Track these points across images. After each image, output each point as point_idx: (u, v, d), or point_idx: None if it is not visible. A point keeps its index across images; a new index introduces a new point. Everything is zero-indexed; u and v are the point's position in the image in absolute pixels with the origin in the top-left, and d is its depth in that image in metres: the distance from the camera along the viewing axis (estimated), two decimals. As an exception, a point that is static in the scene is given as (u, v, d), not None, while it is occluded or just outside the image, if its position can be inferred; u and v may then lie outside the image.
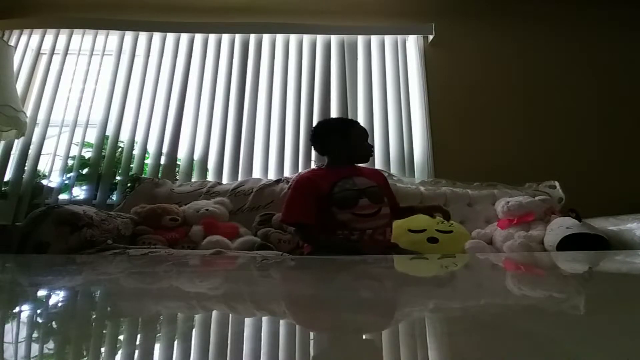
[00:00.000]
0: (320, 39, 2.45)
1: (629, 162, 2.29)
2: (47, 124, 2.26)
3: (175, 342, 0.26)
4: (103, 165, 2.21)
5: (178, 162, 2.26)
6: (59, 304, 0.42)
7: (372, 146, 1.52)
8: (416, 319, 0.34)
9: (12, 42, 2.34)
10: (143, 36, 2.42)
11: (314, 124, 2.30)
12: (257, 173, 2.22)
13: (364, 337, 0.27)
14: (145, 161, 2.26)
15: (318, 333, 0.28)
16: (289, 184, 1.84)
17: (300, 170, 2.15)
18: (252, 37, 2.45)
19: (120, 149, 2.27)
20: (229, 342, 0.27)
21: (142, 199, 1.77)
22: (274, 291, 0.51)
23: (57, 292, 0.49)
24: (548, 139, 2.33)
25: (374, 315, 0.35)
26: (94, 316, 0.35)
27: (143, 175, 2.11)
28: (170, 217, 1.56)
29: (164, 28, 2.40)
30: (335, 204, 1.32)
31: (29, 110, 2.24)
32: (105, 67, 2.38)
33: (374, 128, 2.31)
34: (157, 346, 0.26)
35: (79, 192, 2.19)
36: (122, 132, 2.28)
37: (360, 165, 1.50)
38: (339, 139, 1.43)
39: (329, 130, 1.48)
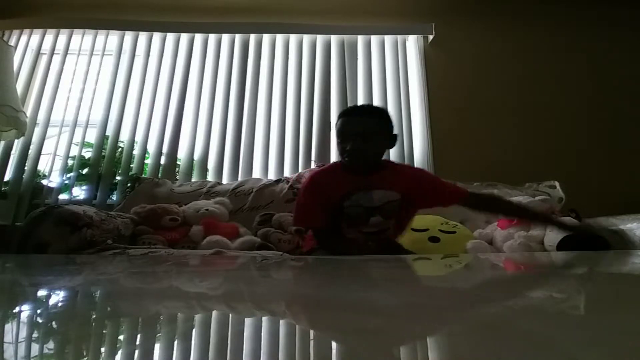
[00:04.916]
0: (320, 39, 2.45)
1: (628, 162, 2.29)
2: (47, 124, 2.27)
3: (175, 342, 0.26)
4: (103, 165, 2.21)
5: (178, 162, 2.26)
6: (59, 304, 0.42)
7: (378, 146, 1.21)
8: (416, 319, 0.34)
9: (12, 42, 2.34)
10: (143, 36, 2.43)
11: (314, 123, 2.33)
12: (257, 173, 2.22)
13: (363, 337, 0.27)
14: (145, 161, 2.26)
15: (318, 333, 0.28)
16: (302, 181, 1.74)
17: (299, 170, 2.12)
18: (252, 37, 2.45)
19: (120, 149, 2.27)
20: (229, 342, 0.27)
21: (142, 199, 1.77)
22: (274, 291, 0.51)
23: (57, 292, 0.49)
24: (548, 139, 2.33)
25: (374, 315, 0.35)
26: (94, 316, 0.35)
27: (143, 175, 2.11)
28: (170, 217, 1.55)
29: (164, 28, 2.40)
30: (345, 220, 1.24)
31: (29, 110, 2.24)
32: (105, 67, 2.38)
33: (374, 128, 2.31)
34: (157, 346, 0.26)
35: (79, 192, 2.20)
36: (122, 132, 2.28)
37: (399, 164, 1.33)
38: (337, 135, 1.23)
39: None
